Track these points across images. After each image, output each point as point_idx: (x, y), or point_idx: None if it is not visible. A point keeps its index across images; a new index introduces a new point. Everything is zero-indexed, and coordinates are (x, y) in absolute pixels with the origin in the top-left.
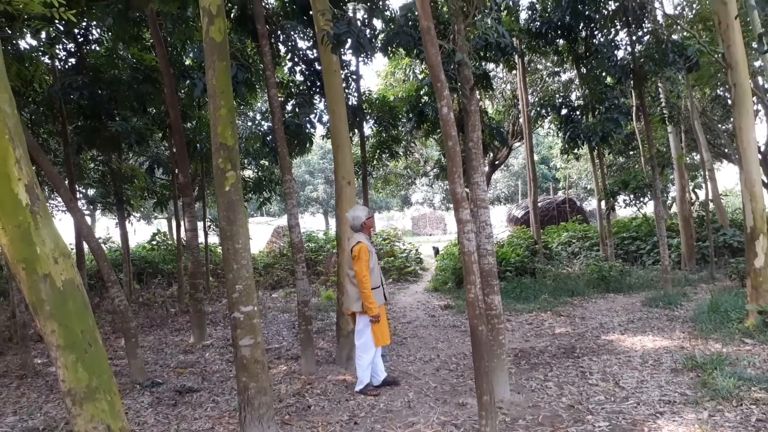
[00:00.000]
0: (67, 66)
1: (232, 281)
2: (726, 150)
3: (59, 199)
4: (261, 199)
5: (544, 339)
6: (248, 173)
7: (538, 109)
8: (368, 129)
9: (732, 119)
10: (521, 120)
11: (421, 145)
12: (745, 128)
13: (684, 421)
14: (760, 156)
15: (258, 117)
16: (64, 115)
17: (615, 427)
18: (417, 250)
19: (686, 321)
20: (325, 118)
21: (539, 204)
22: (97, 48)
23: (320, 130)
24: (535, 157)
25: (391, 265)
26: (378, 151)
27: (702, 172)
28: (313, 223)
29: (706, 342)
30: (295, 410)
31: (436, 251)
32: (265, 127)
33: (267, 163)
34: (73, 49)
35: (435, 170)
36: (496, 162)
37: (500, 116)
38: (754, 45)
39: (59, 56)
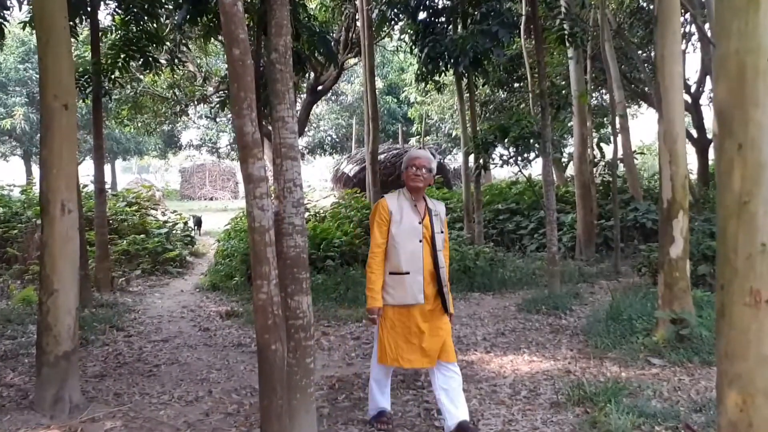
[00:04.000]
0: None
1: None
2: (646, 89)
3: None
4: None
5: None
6: None
7: (384, 9)
8: (106, 17)
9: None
10: (359, 24)
11: (198, 50)
12: (669, 57)
13: None
14: (688, 98)
15: None
16: None
17: None
18: (186, 223)
19: (576, 333)
20: None
21: (381, 156)
22: None
23: (18, 13)
24: (379, 84)
25: (140, 248)
26: (123, 55)
27: (611, 119)
28: (5, 173)
29: (600, 363)
30: None
31: (198, 222)
32: None
33: None
34: None
35: (221, 93)
36: (319, 88)
37: (327, 16)
38: None
39: None
